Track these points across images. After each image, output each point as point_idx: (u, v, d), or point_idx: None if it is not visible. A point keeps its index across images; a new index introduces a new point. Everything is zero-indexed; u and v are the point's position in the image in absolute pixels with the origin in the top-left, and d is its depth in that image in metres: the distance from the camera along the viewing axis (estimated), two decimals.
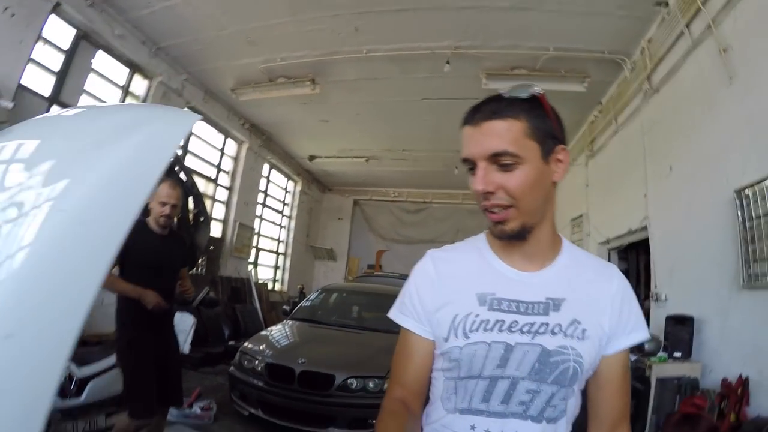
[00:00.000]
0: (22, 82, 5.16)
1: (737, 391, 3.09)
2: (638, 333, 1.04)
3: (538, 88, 0.99)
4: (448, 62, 5.92)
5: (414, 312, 1.12)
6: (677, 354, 3.71)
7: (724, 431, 2.91)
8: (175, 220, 4.03)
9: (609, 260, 6.48)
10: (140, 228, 2.99)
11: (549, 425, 0.98)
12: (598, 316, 1.02)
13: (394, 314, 1.17)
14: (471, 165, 1.00)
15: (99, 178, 0.83)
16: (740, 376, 3.15)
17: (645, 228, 5.24)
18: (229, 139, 9.57)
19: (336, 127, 9.18)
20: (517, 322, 1.01)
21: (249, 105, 8.39)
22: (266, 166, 11.06)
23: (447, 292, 1.10)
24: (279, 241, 12.45)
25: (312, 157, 11.40)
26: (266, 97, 7.75)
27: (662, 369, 3.66)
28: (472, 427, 1.01)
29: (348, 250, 14.18)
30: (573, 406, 1.02)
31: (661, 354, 3.82)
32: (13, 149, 1.04)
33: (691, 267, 4.23)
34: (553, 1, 4.93)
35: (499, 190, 0.97)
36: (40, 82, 5.59)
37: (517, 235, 1.01)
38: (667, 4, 4.73)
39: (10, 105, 4.74)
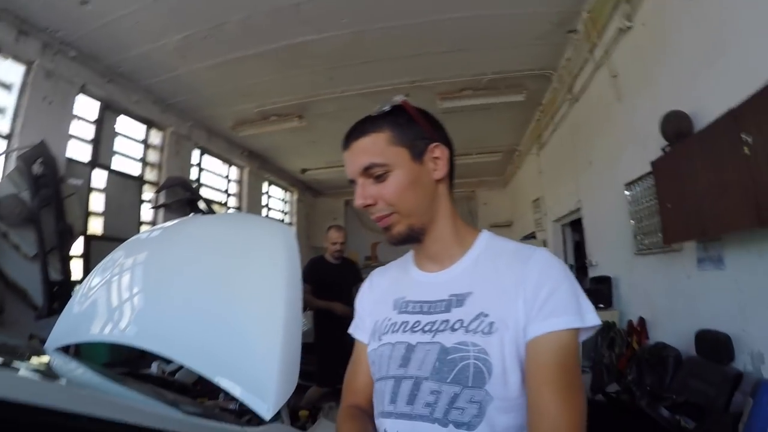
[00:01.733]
0: (68, 155, 6.13)
1: (638, 328, 4.22)
2: (558, 318, 0.86)
3: (398, 98, 1.02)
4: (407, 94, 6.84)
5: (359, 322, 1.18)
6: (601, 305, 4.82)
7: (629, 355, 4.03)
8: None
9: (563, 235, 7.62)
10: (321, 262, 4.52)
11: (459, 430, 0.87)
12: (511, 304, 0.90)
13: (351, 328, 1.21)
14: (354, 184, 1.02)
15: (280, 255, 1.85)
16: (640, 318, 4.28)
17: (579, 209, 6.32)
18: (232, 167, 10.56)
19: (323, 145, 10.09)
20: (419, 321, 0.99)
21: (246, 137, 9.34)
22: (265, 183, 12.02)
23: (374, 302, 1.15)
24: None
25: (304, 170, 12.39)
26: (261, 131, 8.71)
27: None
28: (385, 430, 0.96)
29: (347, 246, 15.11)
30: (500, 413, 0.87)
31: None
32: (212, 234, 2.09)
33: (608, 239, 5.30)
34: (483, 41, 5.94)
35: (378, 200, 0.98)
36: (80, 151, 6.56)
37: (408, 238, 1.02)
38: (576, 32, 5.65)
39: (79, 182, 5.75)
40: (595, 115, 5.54)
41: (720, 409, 2.68)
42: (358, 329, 1.18)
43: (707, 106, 3.04)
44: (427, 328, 0.97)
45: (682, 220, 3.30)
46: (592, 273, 5.70)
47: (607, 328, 4.42)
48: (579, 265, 6.79)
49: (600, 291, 4.97)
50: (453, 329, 0.93)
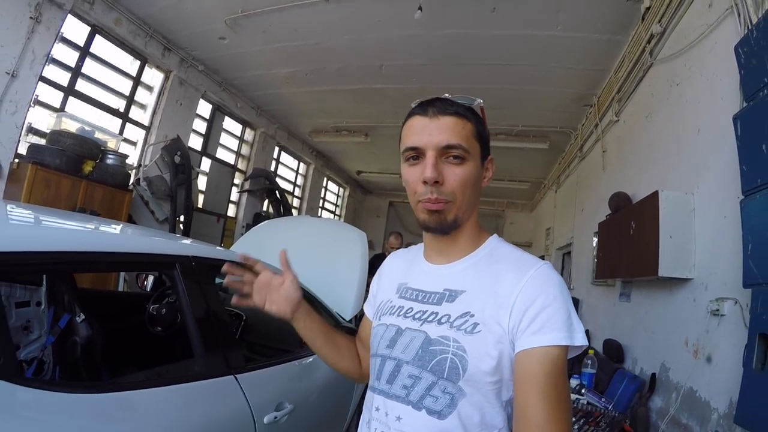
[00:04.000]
0: (188, 145, 7.98)
1: None
2: (549, 334, 0.84)
3: (479, 101, 1.01)
4: None
5: (371, 299, 1.25)
6: None
7: None
8: None
9: (562, 262, 9.03)
10: (381, 258, 6.50)
11: (431, 417, 0.89)
12: (500, 310, 0.89)
13: (364, 303, 1.29)
14: (416, 154, 0.97)
15: (361, 250, 3.58)
16: (586, 329, 5.79)
17: (571, 243, 7.78)
18: (301, 163, 12.40)
19: (379, 155, 11.80)
20: (412, 308, 1.01)
21: (318, 142, 11.17)
22: (325, 179, 13.82)
23: (384, 283, 1.19)
24: None
25: (359, 172, 14.12)
26: (332, 140, 10.53)
27: None
28: (372, 403, 1.01)
29: (383, 241, 16.77)
30: (471, 408, 0.89)
31: None
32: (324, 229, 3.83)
33: (581, 270, 6.78)
34: (518, 104, 7.49)
35: (445, 182, 0.95)
36: (195, 142, 8.43)
37: (448, 228, 0.99)
38: (592, 106, 7.09)
39: (203, 170, 7.64)
40: (590, 174, 6.98)
41: (604, 387, 4.21)
42: (368, 305, 1.25)
43: (639, 195, 4.51)
44: (417, 316, 0.98)
45: (605, 264, 4.85)
46: (570, 294, 7.16)
47: None
48: None
49: None
50: (440, 322, 0.94)
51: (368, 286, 1.48)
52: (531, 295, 0.88)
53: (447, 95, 1.00)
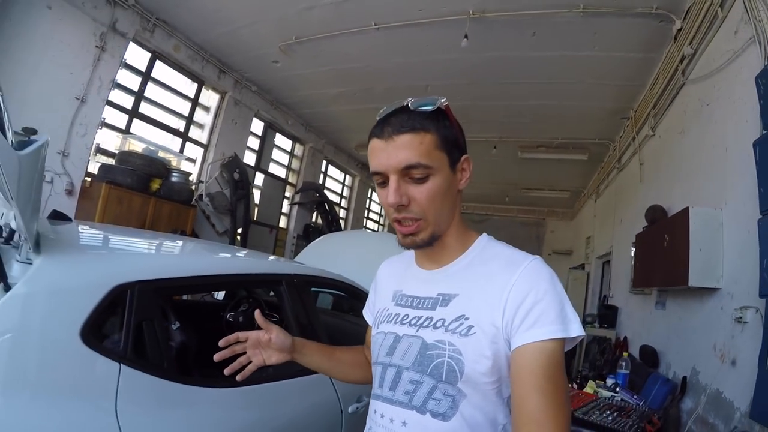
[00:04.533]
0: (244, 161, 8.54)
1: (622, 343, 5.93)
2: (543, 328, 0.85)
3: (443, 99, 0.97)
4: (495, 147, 8.87)
5: (370, 306, 1.26)
6: (605, 325, 6.56)
7: (611, 359, 5.74)
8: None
9: (602, 270, 9.17)
10: None
11: (436, 420, 0.91)
12: (493, 310, 0.90)
13: (363, 310, 1.31)
14: (382, 179, 0.97)
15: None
16: (624, 336, 6.00)
17: (610, 252, 7.93)
18: (347, 176, 12.89)
19: None
20: (408, 315, 1.02)
21: (363, 155, 11.57)
22: (370, 191, 14.30)
23: (380, 291, 1.20)
24: None
25: None
26: None
27: (593, 331, 6.56)
28: (375, 411, 1.03)
29: None
30: (472, 408, 0.91)
31: (595, 324, 6.76)
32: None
33: (620, 279, 6.94)
34: (557, 118, 7.75)
35: (412, 202, 0.94)
36: (250, 158, 8.99)
37: (425, 245, 1.00)
38: (629, 119, 7.26)
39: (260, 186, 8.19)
40: (628, 186, 7.16)
41: (638, 390, 4.43)
42: (367, 312, 1.26)
43: (674, 208, 4.72)
44: (413, 322, 0.99)
45: (641, 274, 5.07)
46: (609, 302, 7.38)
47: (603, 341, 6.17)
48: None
49: (607, 315, 6.72)
50: (435, 327, 0.95)
51: None
52: (522, 292, 0.89)
53: (410, 100, 0.96)
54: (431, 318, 0.97)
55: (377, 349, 1.06)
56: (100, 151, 6.30)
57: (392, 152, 0.93)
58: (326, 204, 10.42)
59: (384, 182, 0.98)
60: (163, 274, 1.65)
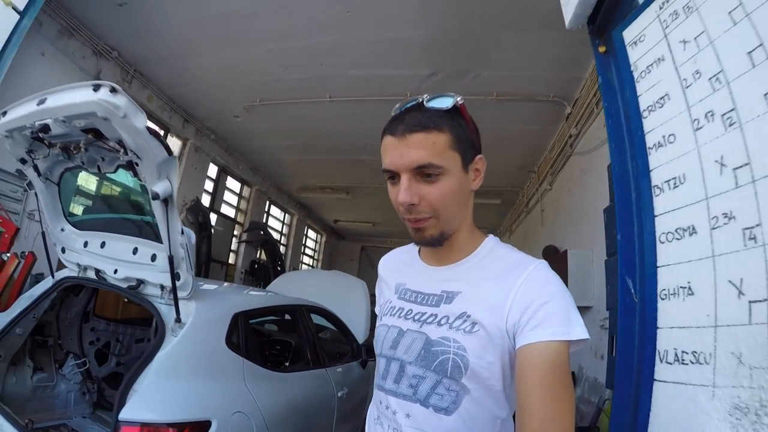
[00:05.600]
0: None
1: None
2: (547, 330, 0.85)
3: (459, 98, 0.95)
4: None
5: (378, 305, 1.23)
6: None
7: None
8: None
9: None
10: None
11: (438, 414, 0.93)
12: (494, 311, 0.91)
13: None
14: (393, 175, 0.97)
15: (363, 292, 5.10)
16: None
17: None
18: (287, 215, 13.91)
19: (356, 208, 13.43)
20: (411, 310, 1.02)
21: (303, 197, 12.76)
22: (306, 228, 15.33)
23: (382, 286, 1.22)
24: None
25: (336, 221, 15.77)
26: (316, 196, 12.13)
27: None
28: (380, 402, 1.04)
29: None
30: (475, 404, 0.92)
31: None
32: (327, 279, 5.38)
33: None
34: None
35: (422, 201, 0.94)
36: (205, 200, 9.81)
37: (436, 242, 0.99)
38: (534, 172, 8.91)
39: (220, 228, 9.08)
40: (534, 227, 8.79)
41: None
42: (378, 309, 1.23)
43: (564, 247, 6.19)
44: (417, 318, 1.00)
45: None
46: None
47: None
48: None
49: None
50: (439, 324, 0.95)
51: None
52: (529, 293, 0.88)
53: (425, 96, 0.96)
54: (435, 315, 0.98)
55: (381, 341, 1.07)
56: None
57: (404, 151, 0.93)
58: (270, 242, 11.37)
59: (394, 177, 0.98)
60: (248, 307, 2.76)
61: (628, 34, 1.17)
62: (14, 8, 4.34)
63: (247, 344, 2.51)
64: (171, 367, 1.99)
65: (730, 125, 0.79)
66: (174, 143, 8.81)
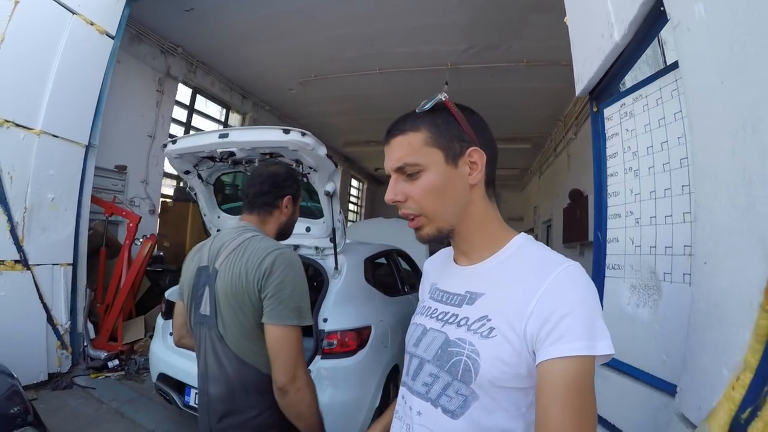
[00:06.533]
0: None
1: None
2: (568, 344, 0.78)
3: (442, 95, 0.96)
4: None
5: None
6: None
7: None
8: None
9: (547, 232, 11.72)
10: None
11: (445, 416, 0.90)
12: (514, 317, 0.85)
13: None
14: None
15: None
16: None
17: (551, 219, 10.65)
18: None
19: None
20: (437, 309, 1.02)
21: (349, 151, 14.03)
22: (351, 178, 16.64)
23: (423, 286, 1.23)
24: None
25: (376, 169, 17.01)
26: (361, 150, 13.39)
27: None
28: (402, 397, 1.05)
29: None
30: (483, 411, 0.88)
31: None
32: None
33: (557, 237, 9.65)
34: (509, 119, 10.31)
35: (408, 199, 0.96)
36: None
37: (437, 239, 1.00)
38: (560, 121, 9.86)
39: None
40: (562, 170, 9.83)
41: None
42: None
43: (587, 191, 7.30)
44: (440, 317, 0.99)
45: (567, 234, 7.80)
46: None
47: None
48: None
49: None
50: (459, 324, 0.93)
51: None
52: (551, 302, 0.82)
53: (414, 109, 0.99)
54: (456, 315, 0.96)
55: (408, 338, 1.07)
56: (166, 175, 7.99)
57: (388, 155, 0.99)
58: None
59: None
60: (370, 254, 4.05)
61: (606, 111, 2.09)
62: (107, 34, 4.87)
63: (374, 279, 3.82)
64: (341, 298, 3.29)
65: (634, 175, 1.93)
66: (234, 118, 10.02)
